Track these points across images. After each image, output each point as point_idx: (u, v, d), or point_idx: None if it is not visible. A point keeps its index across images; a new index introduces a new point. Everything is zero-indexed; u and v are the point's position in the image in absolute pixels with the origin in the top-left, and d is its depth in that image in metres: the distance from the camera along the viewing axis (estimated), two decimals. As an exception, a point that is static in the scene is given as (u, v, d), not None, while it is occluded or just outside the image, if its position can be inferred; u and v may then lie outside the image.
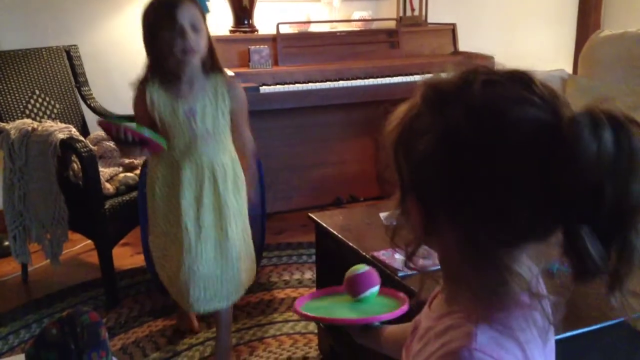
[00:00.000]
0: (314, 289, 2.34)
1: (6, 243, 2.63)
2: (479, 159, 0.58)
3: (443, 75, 0.64)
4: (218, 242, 1.83)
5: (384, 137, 0.67)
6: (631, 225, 0.55)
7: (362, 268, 1.12)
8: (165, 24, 1.66)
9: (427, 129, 0.61)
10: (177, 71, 1.72)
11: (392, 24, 3.39)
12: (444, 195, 0.62)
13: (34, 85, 2.70)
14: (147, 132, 1.69)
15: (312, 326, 2.16)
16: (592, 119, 0.55)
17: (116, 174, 2.51)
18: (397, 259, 1.56)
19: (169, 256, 1.87)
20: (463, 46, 3.41)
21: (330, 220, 1.91)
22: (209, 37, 1.75)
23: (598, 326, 1.26)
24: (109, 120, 1.80)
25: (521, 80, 0.60)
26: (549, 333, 0.65)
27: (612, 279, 0.57)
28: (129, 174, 2.52)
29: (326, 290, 1.20)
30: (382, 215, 1.91)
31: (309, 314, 1.08)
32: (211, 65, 1.78)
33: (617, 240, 0.56)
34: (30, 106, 2.65)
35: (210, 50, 1.76)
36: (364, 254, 1.65)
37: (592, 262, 0.56)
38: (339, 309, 1.09)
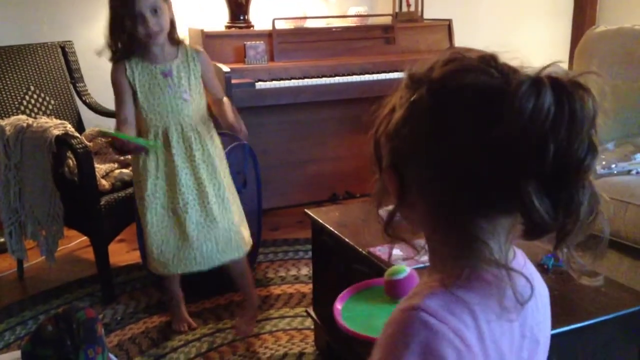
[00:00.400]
0: (311, 285, 2.34)
1: (2, 239, 2.62)
2: (434, 123, 0.64)
3: (422, 63, 0.69)
4: (216, 195, 1.98)
5: (371, 124, 0.72)
6: (575, 182, 0.59)
7: (403, 272, 1.10)
8: (125, 12, 1.81)
9: (402, 105, 0.67)
10: (146, 47, 1.89)
11: (387, 20, 3.39)
12: (411, 161, 0.67)
13: (29, 81, 2.69)
14: (139, 141, 1.90)
15: (309, 322, 2.16)
16: (533, 80, 0.59)
17: (112, 170, 2.51)
18: (393, 255, 1.56)
19: (168, 225, 1.97)
20: (459, 42, 3.41)
21: (326, 217, 1.91)
22: (170, 11, 1.89)
23: (593, 321, 1.27)
24: (105, 135, 1.95)
25: (483, 57, 0.64)
26: (516, 312, 0.66)
27: (559, 234, 0.61)
28: (124, 170, 2.51)
29: (363, 285, 1.17)
30: (379, 211, 1.91)
31: (356, 331, 1.06)
32: (174, 35, 1.94)
33: (563, 196, 0.59)
34: (25, 102, 2.64)
35: (172, 22, 1.91)
36: (360, 250, 1.65)
37: (539, 217, 0.59)
38: (380, 315, 1.06)
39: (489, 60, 0.64)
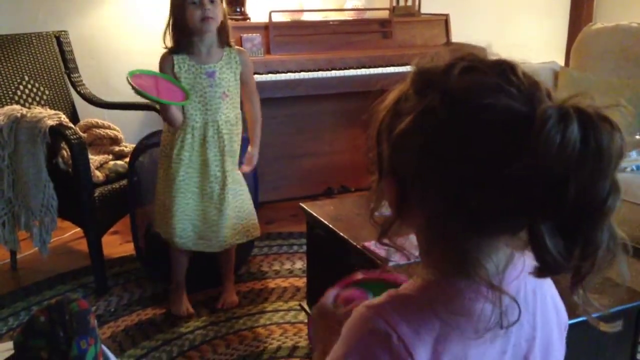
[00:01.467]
0: (305, 279, 2.34)
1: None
2: (448, 142, 0.59)
3: (433, 59, 0.64)
4: (234, 188, 2.15)
5: (371, 118, 0.68)
6: (595, 223, 0.55)
7: None
8: None
9: (409, 111, 0.62)
10: (199, 36, 2.01)
11: (385, 14, 3.38)
12: (415, 176, 0.63)
13: (23, 71, 2.67)
14: (175, 82, 2.02)
15: (302, 316, 2.16)
16: (560, 112, 0.54)
17: (106, 162, 2.50)
18: (387, 249, 1.56)
19: (195, 209, 2.13)
20: (456, 37, 3.40)
21: (321, 210, 1.91)
22: (224, 13, 2.06)
23: (586, 317, 1.27)
24: (142, 95, 1.94)
25: (502, 69, 0.60)
26: (495, 333, 0.63)
27: (574, 276, 0.58)
28: (118, 162, 2.50)
29: (350, 281, 1.10)
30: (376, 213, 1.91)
31: None
32: (225, 38, 2.09)
33: (580, 238, 0.55)
34: (19, 92, 2.62)
35: (224, 24, 2.06)
36: (354, 244, 1.65)
37: (551, 258, 0.55)
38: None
39: (508, 74, 0.59)
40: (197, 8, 1.95)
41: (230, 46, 2.11)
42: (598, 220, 0.55)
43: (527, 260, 0.68)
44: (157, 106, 2.18)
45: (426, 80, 0.62)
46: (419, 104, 0.61)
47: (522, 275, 0.67)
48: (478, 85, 0.59)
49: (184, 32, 2.01)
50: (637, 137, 2.35)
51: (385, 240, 0.70)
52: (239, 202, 2.20)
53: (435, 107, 0.60)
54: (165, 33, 2.04)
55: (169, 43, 2.05)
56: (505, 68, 0.60)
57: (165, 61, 2.05)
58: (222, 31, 2.06)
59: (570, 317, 1.26)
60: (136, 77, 1.94)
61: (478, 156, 0.57)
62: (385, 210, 0.71)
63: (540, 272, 0.59)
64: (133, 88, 1.90)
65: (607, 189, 0.54)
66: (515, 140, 0.55)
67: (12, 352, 1.24)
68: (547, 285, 0.73)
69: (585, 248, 0.55)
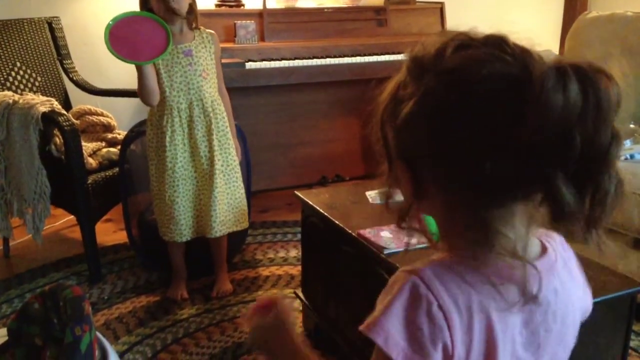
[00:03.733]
0: (299, 267, 2.34)
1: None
2: (453, 117, 0.61)
3: (425, 46, 0.66)
4: (223, 171, 2.15)
5: (373, 111, 0.70)
6: (602, 169, 0.58)
7: None
8: None
9: (409, 96, 0.64)
10: (168, 16, 1.99)
11: (380, 2, 3.36)
12: (427, 157, 0.64)
13: (15, 57, 2.64)
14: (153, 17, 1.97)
15: (297, 303, 2.17)
16: (558, 71, 0.57)
17: (99, 149, 2.48)
18: (382, 237, 1.56)
19: (192, 194, 2.13)
20: (451, 25, 3.39)
21: (316, 199, 1.91)
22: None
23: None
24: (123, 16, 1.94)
25: (493, 41, 0.62)
26: (519, 305, 0.66)
27: (587, 221, 0.61)
28: (112, 149, 2.49)
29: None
30: (369, 194, 1.91)
31: None
32: (194, 21, 2.09)
33: (590, 185, 0.59)
34: (11, 78, 2.60)
35: (192, 7, 2.05)
36: (349, 232, 1.65)
37: (567, 206, 0.59)
38: None
39: (500, 44, 0.62)
40: (159, 1, 1.97)
41: (198, 29, 2.12)
42: (604, 166, 0.58)
43: (551, 255, 0.70)
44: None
45: (421, 66, 0.64)
46: (419, 88, 0.63)
47: (552, 271, 0.69)
48: (472, 59, 0.61)
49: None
50: (631, 125, 2.36)
51: (404, 225, 0.71)
52: (232, 189, 2.19)
53: (435, 87, 0.62)
54: None
55: None
56: (496, 40, 0.63)
57: None
58: (190, 14, 2.06)
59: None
60: (115, 28, 1.90)
61: (484, 126, 0.60)
62: (397, 198, 0.73)
63: (557, 220, 0.62)
64: (111, 51, 1.89)
65: (609, 137, 0.57)
66: (517, 104, 0.58)
67: (6, 338, 1.24)
68: (571, 285, 0.73)
69: (595, 194, 0.59)
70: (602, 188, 0.59)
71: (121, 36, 1.90)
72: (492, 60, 0.60)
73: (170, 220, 2.14)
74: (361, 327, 0.67)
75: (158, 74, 2.04)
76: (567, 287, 0.72)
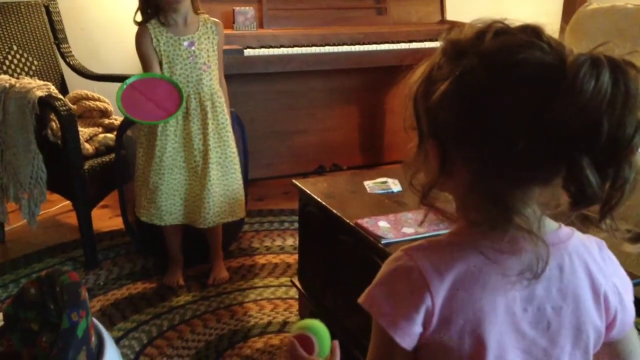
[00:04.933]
0: (296, 256, 2.34)
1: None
2: (489, 98, 0.64)
3: (461, 32, 0.69)
4: (220, 163, 2.14)
5: (406, 89, 0.73)
6: (624, 157, 0.61)
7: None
8: None
9: (445, 76, 0.67)
10: (173, 9, 1.99)
11: (380, -10, 3.34)
12: (458, 135, 0.67)
13: (12, 40, 2.62)
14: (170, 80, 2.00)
15: (293, 292, 2.17)
16: (592, 60, 0.60)
17: (96, 135, 2.47)
18: (380, 226, 1.56)
19: (181, 183, 2.12)
20: (451, 15, 3.37)
21: (314, 188, 1.90)
22: None
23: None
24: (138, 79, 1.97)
25: (531, 30, 0.66)
26: (523, 281, 0.68)
27: (604, 206, 0.64)
28: (108, 135, 2.47)
29: None
30: (367, 183, 1.90)
31: None
32: (197, 6, 2.07)
33: (611, 171, 0.62)
34: (7, 62, 2.57)
35: None
36: (347, 221, 1.65)
37: (591, 189, 0.61)
38: None
39: (537, 33, 0.65)
40: None
41: (199, 13, 2.09)
42: (627, 154, 0.61)
43: (564, 231, 0.73)
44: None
45: (459, 48, 0.67)
46: (456, 69, 0.66)
47: (558, 246, 0.72)
48: (511, 43, 0.64)
49: (157, 7, 2.01)
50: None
51: (427, 201, 0.74)
52: (229, 180, 2.18)
53: (474, 68, 0.64)
54: (136, 10, 2.04)
55: (139, 18, 2.04)
56: (533, 29, 0.66)
57: (143, 36, 2.02)
58: (195, 1, 2.05)
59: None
60: (129, 87, 1.93)
61: (517, 108, 0.62)
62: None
63: (577, 205, 0.65)
64: (119, 109, 1.91)
65: (634, 126, 0.61)
66: (551, 88, 0.61)
67: (1, 323, 1.23)
68: (582, 254, 0.74)
69: (615, 181, 0.62)
70: (622, 175, 0.62)
71: (134, 96, 1.93)
72: (530, 47, 0.63)
73: (150, 203, 2.13)
74: (358, 300, 0.75)
75: (161, 64, 2.03)
76: (577, 272, 0.73)
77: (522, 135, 0.62)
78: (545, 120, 0.60)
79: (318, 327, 0.95)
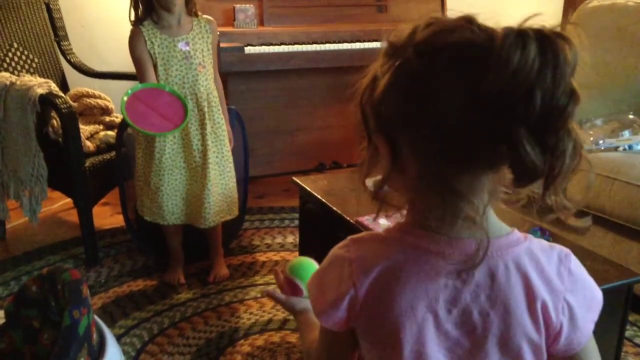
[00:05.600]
0: (296, 253, 2.34)
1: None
2: (424, 82, 0.65)
3: (399, 31, 0.70)
4: (218, 162, 2.14)
5: (353, 95, 0.75)
6: (561, 126, 0.62)
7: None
8: None
9: (385, 72, 0.69)
10: (167, 9, 1.98)
11: (380, -13, 3.33)
12: (403, 124, 0.68)
13: (12, 38, 2.62)
14: (169, 89, 2.00)
15: (293, 289, 2.17)
16: (517, 32, 0.61)
17: (97, 132, 2.47)
18: (380, 224, 1.57)
19: (181, 184, 2.13)
20: (451, 12, 3.36)
21: (314, 185, 1.91)
22: None
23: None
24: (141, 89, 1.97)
25: (462, 18, 0.67)
26: (451, 278, 0.71)
27: (547, 179, 0.65)
28: (109, 132, 2.48)
29: None
30: (367, 181, 1.91)
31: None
32: (192, 7, 2.06)
33: (551, 142, 0.62)
34: (8, 59, 2.57)
35: None
36: (348, 218, 1.65)
37: (530, 161, 0.62)
38: None
39: (468, 20, 0.66)
40: None
41: (197, 16, 2.09)
42: (562, 123, 0.62)
43: (514, 237, 0.74)
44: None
45: (395, 46, 0.69)
46: (394, 63, 0.68)
47: (496, 253, 0.72)
48: (441, 29, 0.66)
49: (151, 5, 2.00)
50: (630, 116, 2.35)
51: (380, 197, 0.76)
52: (226, 179, 2.19)
53: (409, 57, 0.67)
54: (130, 9, 2.02)
55: (133, 17, 2.03)
56: (465, 17, 0.67)
57: (136, 39, 2.00)
58: (189, 1, 2.04)
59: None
60: (132, 97, 1.92)
61: (450, 87, 0.64)
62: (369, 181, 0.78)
63: (520, 180, 0.66)
64: (125, 118, 1.91)
65: (567, 94, 0.61)
66: (481, 64, 0.61)
67: (3, 320, 1.24)
68: (524, 264, 0.72)
69: (554, 151, 0.63)
70: (560, 145, 0.63)
71: (138, 106, 1.92)
72: (459, 29, 0.65)
73: (153, 203, 2.14)
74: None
75: (155, 66, 2.02)
76: (512, 281, 0.72)
77: (458, 113, 0.63)
78: (479, 95, 0.61)
79: (304, 268, 1.04)
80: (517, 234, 0.74)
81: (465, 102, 0.63)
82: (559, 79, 0.61)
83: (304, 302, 1.05)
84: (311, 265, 1.07)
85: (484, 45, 0.63)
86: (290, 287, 1.08)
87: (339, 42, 2.97)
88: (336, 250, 0.79)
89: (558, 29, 0.63)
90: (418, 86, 0.66)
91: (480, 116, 0.62)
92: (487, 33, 0.64)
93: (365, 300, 0.74)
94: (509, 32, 0.62)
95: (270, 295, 1.11)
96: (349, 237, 0.79)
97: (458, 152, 0.65)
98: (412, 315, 0.71)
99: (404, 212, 0.77)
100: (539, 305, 0.72)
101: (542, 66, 0.60)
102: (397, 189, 0.74)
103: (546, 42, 0.61)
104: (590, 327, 0.76)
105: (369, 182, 0.78)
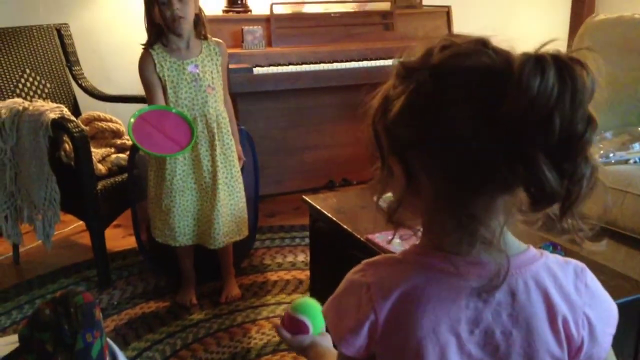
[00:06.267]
0: (307, 272, 2.34)
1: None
2: (441, 105, 0.65)
3: (409, 53, 0.71)
4: (227, 183, 2.15)
5: (364, 115, 0.75)
6: (579, 152, 0.62)
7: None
8: None
9: (399, 94, 0.68)
10: (175, 34, 2.01)
11: (386, 6, 3.36)
12: (418, 147, 0.68)
13: (25, 64, 2.66)
14: (176, 111, 2.02)
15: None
16: (536, 58, 0.61)
17: (108, 155, 2.50)
18: (393, 243, 1.56)
19: (192, 205, 2.14)
20: (457, 29, 3.39)
21: (324, 203, 1.91)
22: (197, 6, 2.04)
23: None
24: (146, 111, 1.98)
25: (476, 40, 0.67)
26: (471, 301, 0.71)
27: (564, 203, 0.65)
28: (121, 155, 2.50)
29: None
30: (380, 202, 1.91)
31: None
32: (202, 30, 2.08)
33: (568, 167, 0.62)
34: (20, 85, 2.61)
35: (199, 16, 2.05)
36: (358, 236, 1.65)
37: (549, 185, 0.62)
38: None
39: (483, 43, 0.66)
40: (166, 8, 1.95)
41: (207, 39, 2.11)
42: (581, 149, 0.62)
43: (530, 253, 0.73)
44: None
45: (409, 68, 0.69)
46: (409, 85, 0.68)
47: (515, 271, 0.71)
48: (458, 53, 0.66)
49: (161, 29, 2.02)
50: (640, 129, 2.35)
51: (395, 219, 0.75)
52: (235, 200, 2.20)
53: (425, 80, 0.66)
54: (147, 29, 2.05)
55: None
56: (479, 39, 0.67)
57: (145, 62, 2.03)
58: (198, 24, 2.06)
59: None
60: (139, 118, 1.93)
61: (469, 109, 0.64)
62: (383, 200, 0.77)
63: (537, 205, 0.66)
64: (131, 139, 1.92)
65: (585, 121, 0.61)
66: (499, 88, 0.62)
67: (16, 345, 1.24)
68: (542, 280, 0.72)
69: (572, 177, 0.63)
70: (578, 171, 0.63)
71: (145, 128, 1.94)
72: (475, 54, 0.65)
73: (164, 225, 2.15)
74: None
75: (164, 90, 2.04)
76: (532, 298, 0.71)
77: (474, 137, 0.63)
78: (496, 120, 0.62)
79: (309, 307, 1.02)
80: (533, 250, 0.74)
81: (482, 127, 0.63)
82: (577, 105, 0.61)
83: (311, 338, 1.04)
84: (315, 303, 1.06)
85: (501, 70, 0.63)
86: (296, 326, 1.05)
87: (346, 60, 2.99)
88: (352, 275, 0.78)
89: (574, 55, 0.63)
90: (433, 109, 0.66)
91: (498, 141, 0.62)
92: (503, 57, 0.64)
93: (386, 324, 0.73)
94: (527, 58, 0.61)
95: (277, 331, 1.08)
96: (364, 262, 0.78)
97: (473, 176, 0.65)
98: (435, 337, 0.71)
99: (419, 233, 0.76)
100: (560, 321, 0.72)
101: (561, 92, 0.60)
102: (411, 210, 0.74)
103: (564, 67, 0.61)
104: (609, 340, 0.76)
105: (382, 201, 0.78)
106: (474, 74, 0.64)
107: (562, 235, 0.68)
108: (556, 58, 0.61)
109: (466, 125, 0.64)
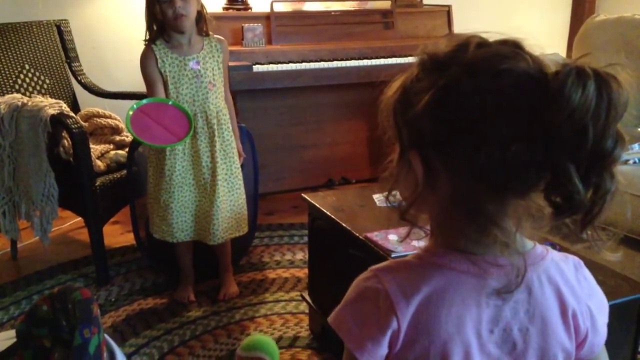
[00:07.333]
0: (306, 270, 2.34)
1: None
2: (476, 105, 0.64)
3: (439, 44, 0.69)
4: (227, 179, 2.16)
5: (382, 103, 0.73)
6: (606, 167, 0.63)
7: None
8: None
9: (427, 87, 0.67)
10: (176, 31, 2.02)
11: (387, 4, 3.36)
12: (444, 144, 0.67)
13: (24, 59, 2.66)
14: (175, 104, 2.02)
15: (304, 306, 2.17)
16: (578, 70, 0.62)
17: (107, 151, 2.49)
18: (390, 240, 1.56)
19: (190, 200, 2.14)
20: (458, 28, 3.39)
21: (323, 201, 1.91)
22: (199, 3, 2.05)
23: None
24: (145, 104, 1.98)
25: (512, 42, 0.67)
26: (491, 300, 0.70)
27: (586, 215, 0.65)
28: (120, 152, 2.50)
29: None
30: (376, 196, 1.91)
31: None
32: (204, 27, 2.10)
33: (595, 182, 0.63)
34: (20, 81, 2.61)
35: (201, 13, 2.07)
36: (357, 235, 1.65)
37: (578, 196, 0.63)
38: None
39: (518, 46, 0.66)
40: (168, 6, 1.96)
41: (208, 35, 2.12)
42: (608, 165, 0.63)
43: (538, 250, 0.74)
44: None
45: (439, 60, 0.67)
46: (439, 80, 0.66)
47: (529, 267, 0.72)
48: (495, 54, 0.65)
49: (162, 26, 2.04)
50: (639, 129, 2.34)
51: (408, 217, 0.75)
52: (235, 196, 2.20)
53: (459, 78, 0.65)
54: (146, 30, 2.06)
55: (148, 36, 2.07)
56: (513, 42, 0.67)
57: (147, 57, 2.04)
58: (200, 21, 2.07)
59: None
60: (137, 111, 1.94)
61: (504, 114, 0.63)
62: (392, 196, 0.76)
63: (561, 214, 0.66)
64: (129, 131, 1.92)
65: (615, 138, 0.62)
66: (536, 96, 0.62)
67: (14, 340, 1.24)
68: (554, 275, 0.74)
69: (597, 191, 0.64)
70: (603, 185, 0.63)
71: (143, 119, 1.94)
72: (513, 57, 0.65)
73: (162, 221, 2.15)
74: (328, 319, 0.78)
75: (165, 85, 2.05)
76: (546, 293, 0.73)
77: (507, 139, 0.63)
78: (533, 126, 0.62)
79: (260, 342, 1.03)
80: (539, 246, 0.75)
81: (517, 130, 0.63)
82: (611, 120, 0.62)
83: None
84: (264, 336, 1.07)
85: (538, 77, 0.63)
86: None
87: (346, 59, 2.99)
88: (363, 282, 0.75)
89: (611, 70, 0.63)
90: (469, 109, 0.65)
91: (530, 146, 0.62)
92: (538, 64, 0.65)
93: (409, 330, 0.71)
94: (569, 69, 0.62)
95: None
96: (372, 268, 0.76)
97: (499, 177, 0.65)
98: (459, 339, 0.70)
99: (427, 231, 0.76)
100: (570, 314, 0.74)
101: (598, 106, 0.61)
102: (423, 208, 0.74)
103: (603, 82, 0.62)
104: (605, 330, 0.79)
105: (391, 197, 0.76)
106: (511, 78, 0.64)
107: (579, 244, 0.69)
108: (596, 72, 0.62)
109: (500, 127, 0.63)
